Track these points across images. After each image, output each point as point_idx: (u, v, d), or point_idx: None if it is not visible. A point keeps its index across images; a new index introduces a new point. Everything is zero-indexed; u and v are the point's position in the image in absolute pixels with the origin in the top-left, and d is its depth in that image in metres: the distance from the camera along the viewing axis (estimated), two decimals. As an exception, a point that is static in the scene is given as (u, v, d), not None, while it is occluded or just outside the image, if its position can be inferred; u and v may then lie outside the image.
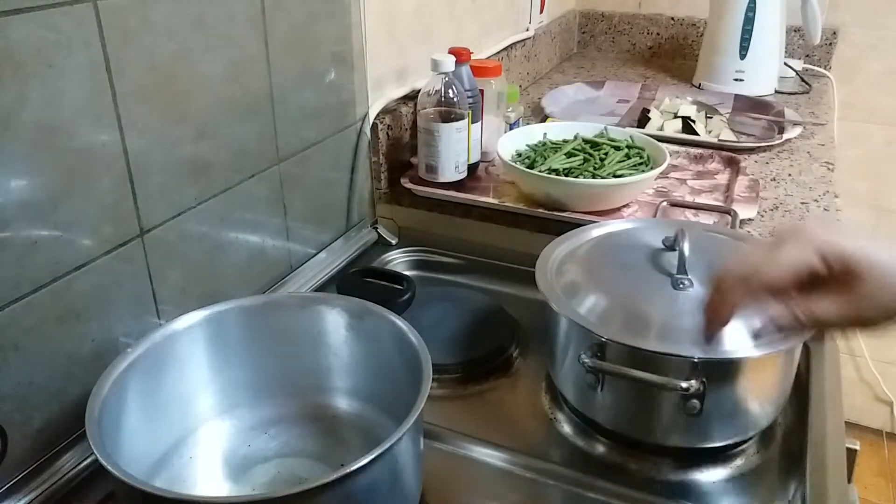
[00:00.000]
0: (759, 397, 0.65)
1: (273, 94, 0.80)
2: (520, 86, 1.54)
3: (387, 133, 1.02)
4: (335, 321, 0.66)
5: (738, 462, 0.66)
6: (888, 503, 1.77)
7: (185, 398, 0.64)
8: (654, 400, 0.63)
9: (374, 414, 0.66)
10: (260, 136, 0.79)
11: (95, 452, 0.48)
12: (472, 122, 1.02)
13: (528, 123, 1.17)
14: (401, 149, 1.07)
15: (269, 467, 0.63)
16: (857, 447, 0.72)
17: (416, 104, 1.03)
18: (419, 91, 1.01)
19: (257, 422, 0.67)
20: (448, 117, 0.97)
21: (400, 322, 0.61)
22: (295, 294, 0.84)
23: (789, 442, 0.68)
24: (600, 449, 0.68)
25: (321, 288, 0.89)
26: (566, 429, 0.71)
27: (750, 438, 0.68)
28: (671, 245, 0.71)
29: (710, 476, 0.65)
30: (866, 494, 1.76)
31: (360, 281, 0.86)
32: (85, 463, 0.60)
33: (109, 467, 0.47)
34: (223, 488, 0.62)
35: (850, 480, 0.66)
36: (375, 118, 1.00)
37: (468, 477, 0.65)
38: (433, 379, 0.55)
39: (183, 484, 0.60)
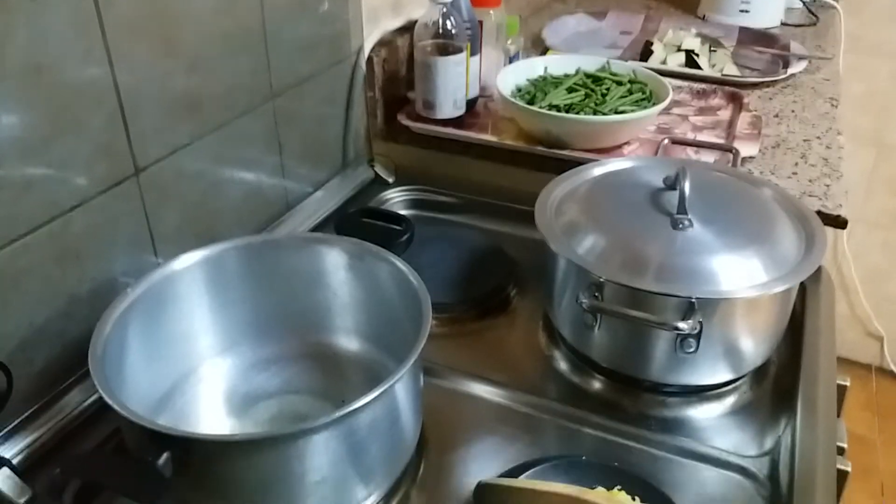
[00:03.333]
0: (755, 336, 0.66)
1: (266, 25, 0.77)
2: (520, 16, 1.50)
3: (382, 67, 1.00)
4: (334, 262, 0.66)
5: (731, 399, 0.68)
6: (873, 434, 1.82)
7: (186, 337, 0.64)
8: (650, 339, 0.64)
9: (375, 352, 0.67)
10: (253, 70, 0.77)
11: (100, 392, 0.48)
12: (471, 55, 1.00)
13: (528, 56, 1.14)
14: (397, 83, 1.05)
15: (271, 404, 0.65)
16: (847, 384, 0.73)
17: (412, 36, 1.00)
18: (416, 22, 0.98)
19: (258, 360, 0.68)
20: (446, 50, 0.95)
21: (400, 263, 0.61)
22: (294, 234, 0.83)
23: (782, 379, 0.70)
24: (596, 386, 0.69)
25: (319, 227, 0.89)
26: (562, 366, 0.72)
27: (744, 376, 0.69)
28: (672, 184, 0.70)
29: (703, 412, 0.66)
30: (853, 427, 1.80)
31: (359, 221, 0.85)
32: (89, 401, 0.61)
33: (115, 406, 0.47)
34: (226, 425, 0.63)
35: (838, 415, 0.68)
36: (371, 51, 0.97)
37: (467, 412, 0.66)
38: (432, 317, 0.55)
39: (186, 420, 0.61)
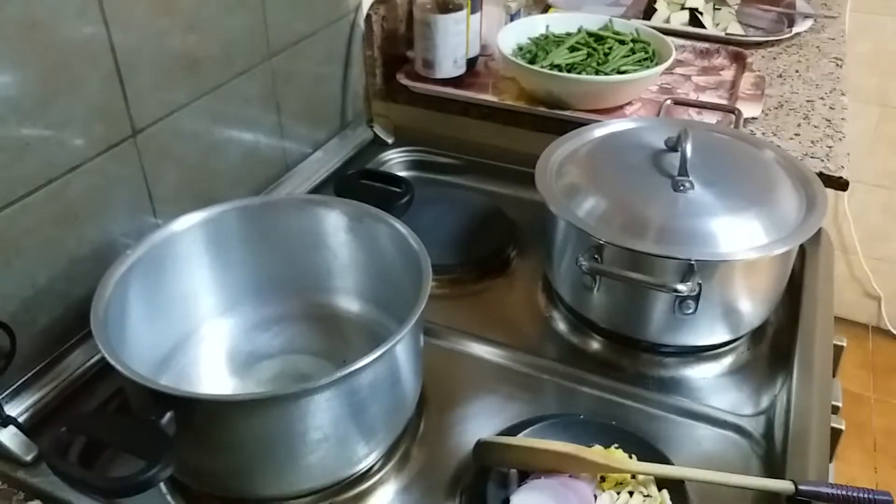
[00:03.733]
0: (754, 298, 0.66)
1: (263, -18, 0.76)
2: (521, -27, 1.47)
3: (381, 25, 0.98)
4: (334, 223, 0.66)
5: (729, 359, 0.68)
6: (868, 392, 1.84)
7: (187, 298, 0.64)
8: (649, 300, 0.64)
9: (375, 313, 0.67)
10: (250, 28, 0.76)
11: (104, 353, 0.49)
12: (472, 13, 0.98)
13: (529, 14, 1.12)
14: (396, 42, 1.03)
15: (273, 364, 0.65)
16: (844, 344, 0.73)
17: (412, -7, 0.98)
18: (416, -21, 0.96)
19: (260, 320, 0.68)
20: (446, 7, 0.93)
21: (399, 226, 0.61)
22: (293, 196, 0.83)
23: (779, 340, 0.70)
24: (594, 346, 0.70)
25: (318, 189, 0.88)
26: (561, 327, 0.72)
27: (741, 337, 0.69)
28: (673, 146, 0.70)
29: (701, 372, 0.67)
30: (848, 385, 1.83)
31: (358, 183, 0.84)
32: (93, 360, 0.62)
33: (119, 367, 0.48)
34: (228, 384, 0.64)
35: (834, 375, 0.68)
36: (369, 9, 0.96)
37: (466, 372, 0.67)
38: (432, 279, 0.56)
39: (188, 381, 0.62)
